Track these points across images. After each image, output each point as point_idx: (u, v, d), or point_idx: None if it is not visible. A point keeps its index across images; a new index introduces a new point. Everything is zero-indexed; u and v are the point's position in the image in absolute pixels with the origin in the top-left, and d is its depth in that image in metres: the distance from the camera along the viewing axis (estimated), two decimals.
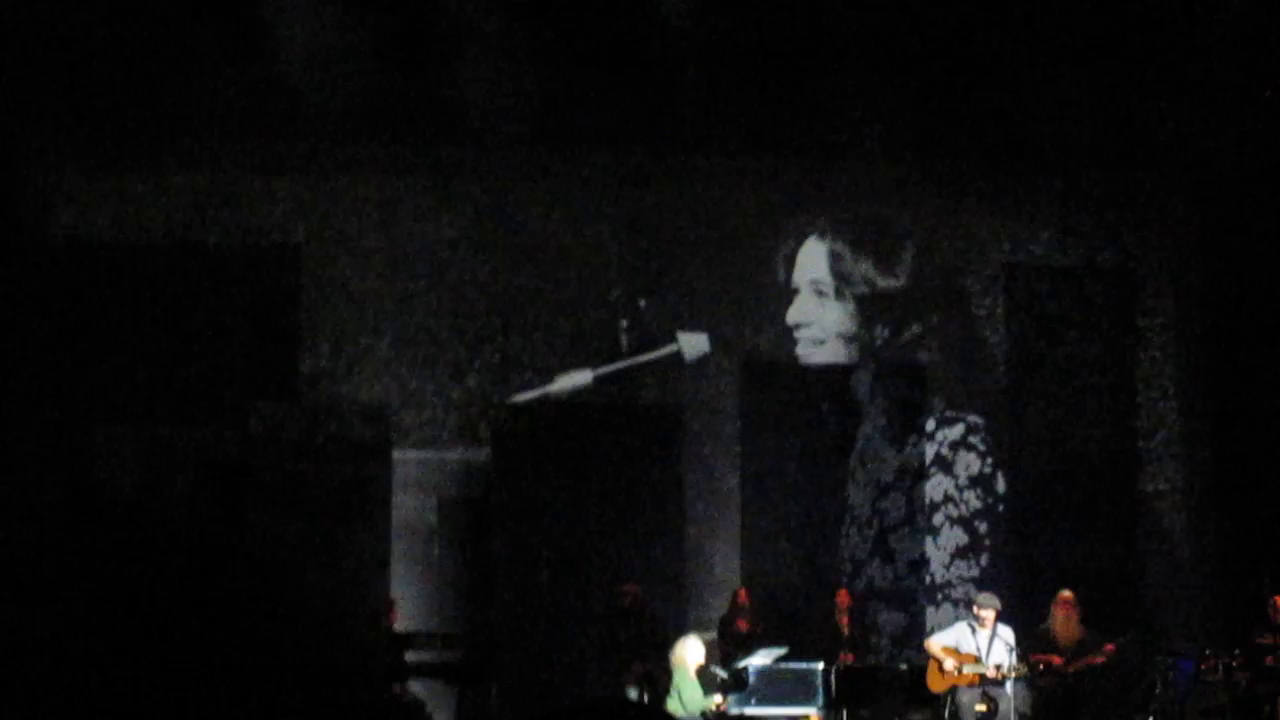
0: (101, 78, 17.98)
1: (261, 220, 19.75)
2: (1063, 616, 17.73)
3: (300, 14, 18.22)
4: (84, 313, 19.01)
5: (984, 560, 20.38)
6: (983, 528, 20.55)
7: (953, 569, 20.39)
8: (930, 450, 20.55)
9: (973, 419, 20.64)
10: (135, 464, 17.84)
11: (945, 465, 20.60)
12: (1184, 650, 17.94)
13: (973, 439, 20.65)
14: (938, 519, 20.50)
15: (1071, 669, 17.50)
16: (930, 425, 20.56)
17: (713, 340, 20.46)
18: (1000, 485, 20.61)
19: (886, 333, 20.70)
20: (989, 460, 20.64)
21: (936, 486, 20.53)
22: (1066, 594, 17.87)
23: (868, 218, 20.74)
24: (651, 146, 19.99)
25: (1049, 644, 17.61)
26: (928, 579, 20.30)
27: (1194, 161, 20.13)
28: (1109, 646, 17.49)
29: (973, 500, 20.59)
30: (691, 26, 18.27)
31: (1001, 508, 20.58)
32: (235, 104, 18.41)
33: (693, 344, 20.38)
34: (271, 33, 18.05)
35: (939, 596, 20.24)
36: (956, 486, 20.63)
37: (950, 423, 20.64)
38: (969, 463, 20.61)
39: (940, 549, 20.44)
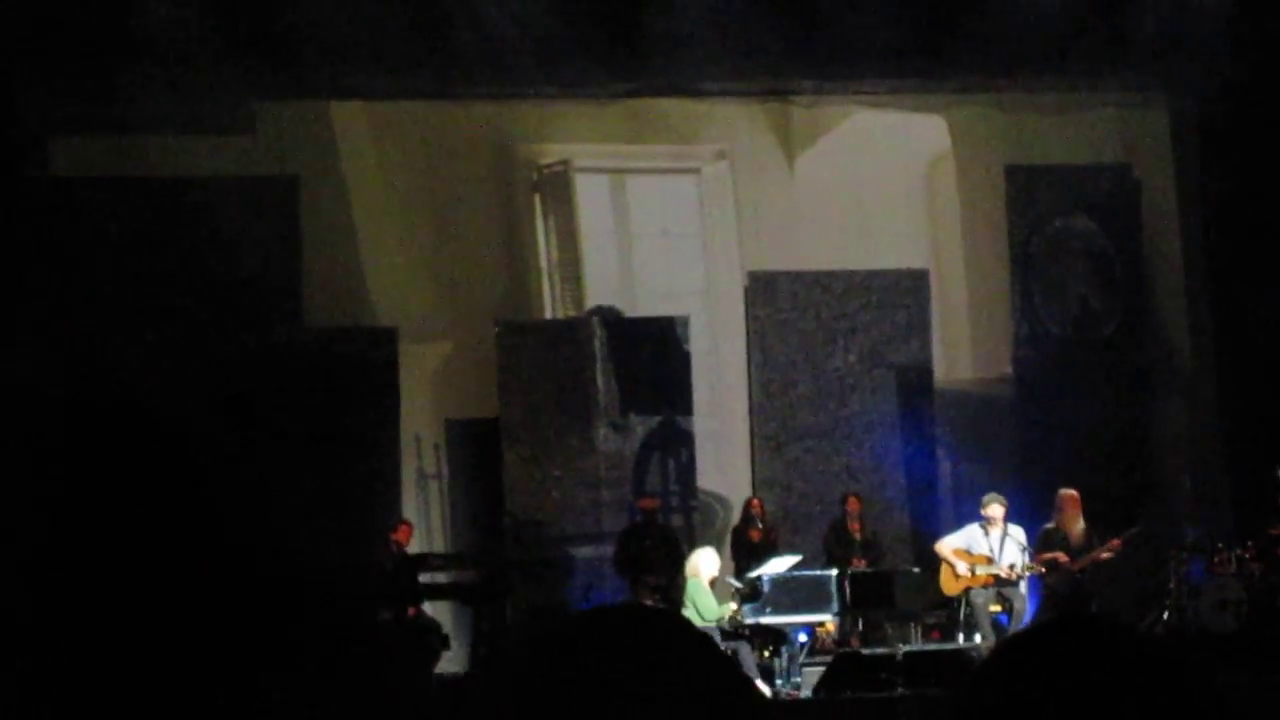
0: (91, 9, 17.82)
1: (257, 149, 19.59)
2: (1069, 514, 17.75)
3: None
4: (80, 249, 18.79)
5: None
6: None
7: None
8: None
9: None
10: (147, 367, 17.58)
11: None
12: (1196, 543, 17.90)
13: None
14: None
15: (1079, 566, 17.54)
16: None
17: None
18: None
19: None
20: None
21: None
22: (1070, 492, 17.88)
23: None
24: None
25: (1055, 543, 17.65)
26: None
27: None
28: (1116, 541, 17.53)
29: None
30: None
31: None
32: (227, 30, 18.25)
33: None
34: None
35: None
36: None
37: None
38: None
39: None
